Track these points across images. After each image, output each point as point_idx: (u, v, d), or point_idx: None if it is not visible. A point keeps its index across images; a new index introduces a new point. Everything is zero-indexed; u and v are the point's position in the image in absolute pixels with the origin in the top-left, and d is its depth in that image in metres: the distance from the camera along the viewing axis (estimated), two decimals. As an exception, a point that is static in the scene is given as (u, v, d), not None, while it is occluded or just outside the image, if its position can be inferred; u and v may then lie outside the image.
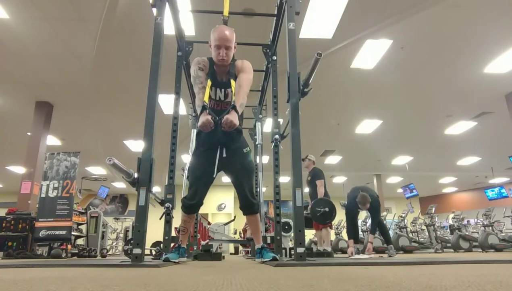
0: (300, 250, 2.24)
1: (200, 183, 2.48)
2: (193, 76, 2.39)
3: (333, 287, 0.89)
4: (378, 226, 4.83)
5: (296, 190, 2.37)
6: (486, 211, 8.50)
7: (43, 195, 6.07)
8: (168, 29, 3.21)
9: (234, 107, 2.21)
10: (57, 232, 5.85)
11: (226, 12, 2.72)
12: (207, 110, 2.22)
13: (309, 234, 8.21)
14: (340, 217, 11.33)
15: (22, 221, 6.10)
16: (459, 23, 5.36)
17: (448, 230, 10.01)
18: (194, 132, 4.52)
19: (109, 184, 14.31)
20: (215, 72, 2.45)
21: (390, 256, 4.68)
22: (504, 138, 9.79)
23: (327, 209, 4.52)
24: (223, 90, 2.44)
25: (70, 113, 8.30)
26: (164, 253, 2.95)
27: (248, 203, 2.52)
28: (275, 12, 3.42)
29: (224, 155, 2.43)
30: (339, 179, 15.15)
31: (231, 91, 2.42)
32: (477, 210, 10.06)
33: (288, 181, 12.04)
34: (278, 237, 3.52)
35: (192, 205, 2.49)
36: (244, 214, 2.59)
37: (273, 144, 3.72)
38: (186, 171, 3.61)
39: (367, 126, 9.28)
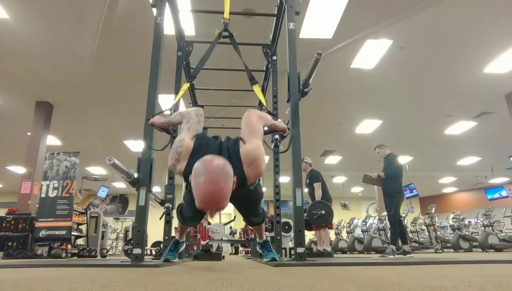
0: (300, 250, 2.24)
1: (197, 217, 2.29)
2: (186, 115, 1.94)
3: (333, 287, 0.89)
4: (392, 220, 4.80)
5: (296, 190, 2.37)
6: (486, 211, 8.49)
7: (43, 195, 6.06)
8: (168, 29, 3.21)
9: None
10: (57, 232, 5.84)
11: (226, 14, 2.67)
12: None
13: (309, 234, 8.20)
14: (340, 217, 11.37)
15: (22, 221, 6.09)
16: (459, 23, 5.35)
17: (449, 230, 10.00)
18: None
19: (109, 184, 14.30)
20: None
21: (383, 256, 4.66)
22: (504, 138, 9.78)
23: (323, 212, 4.53)
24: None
25: (70, 113, 8.30)
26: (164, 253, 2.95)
27: (251, 223, 2.45)
28: (275, 12, 3.41)
29: None
30: (339, 179, 15.13)
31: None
32: (477, 210, 10.06)
33: (288, 181, 12.03)
34: (278, 237, 3.52)
35: (189, 226, 2.48)
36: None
37: (273, 144, 3.72)
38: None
39: (367, 126, 9.28)
